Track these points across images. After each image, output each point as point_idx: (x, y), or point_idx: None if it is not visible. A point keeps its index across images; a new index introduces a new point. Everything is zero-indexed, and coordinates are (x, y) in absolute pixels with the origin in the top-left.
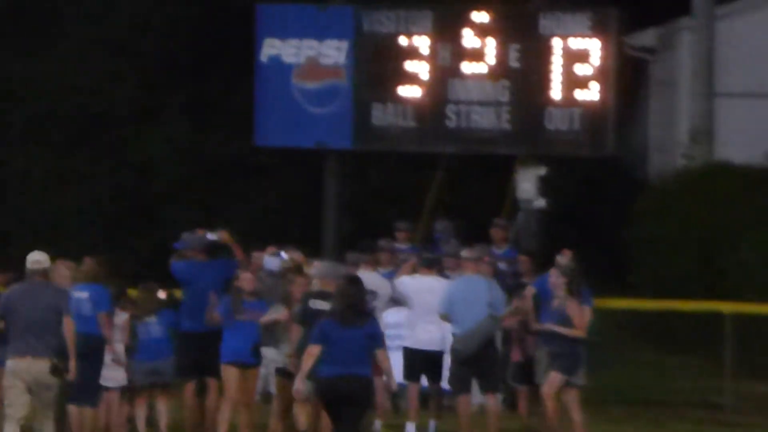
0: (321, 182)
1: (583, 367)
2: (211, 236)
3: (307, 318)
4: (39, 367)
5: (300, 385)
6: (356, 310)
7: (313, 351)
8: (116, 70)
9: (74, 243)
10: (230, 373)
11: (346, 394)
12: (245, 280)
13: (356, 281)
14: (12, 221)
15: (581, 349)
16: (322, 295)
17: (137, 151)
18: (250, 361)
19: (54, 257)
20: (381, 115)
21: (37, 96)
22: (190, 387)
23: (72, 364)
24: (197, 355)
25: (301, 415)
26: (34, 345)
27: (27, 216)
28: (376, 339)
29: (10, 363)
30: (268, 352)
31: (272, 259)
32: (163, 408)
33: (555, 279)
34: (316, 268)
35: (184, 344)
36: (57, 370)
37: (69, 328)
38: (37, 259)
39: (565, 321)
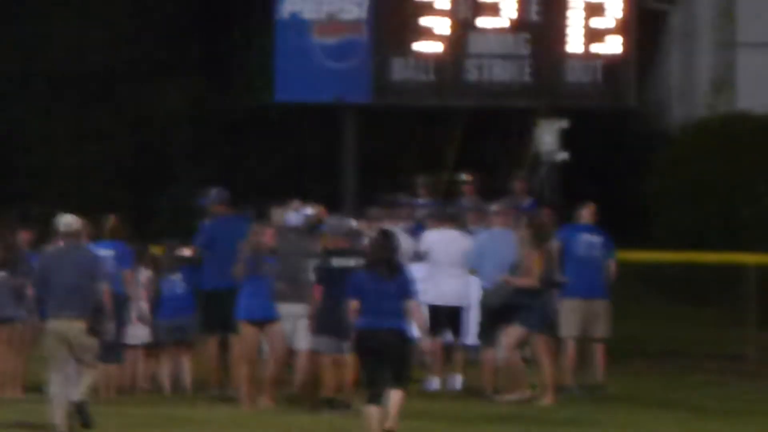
0: (340, 138)
1: (549, 316)
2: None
3: (329, 276)
4: (76, 328)
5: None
6: (389, 263)
7: (355, 305)
8: (133, 27)
9: (96, 201)
10: (249, 330)
11: (382, 347)
12: (267, 235)
13: (389, 235)
14: (33, 180)
15: (541, 300)
16: (342, 252)
17: (156, 108)
18: (271, 316)
19: (77, 215)
20: (400, 70)
21: (55, 54)
22: (213, 343)
23: (108, 326)
24: (221, 312)
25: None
26: (70, 307)
27: (48, 174)
28: (408, 291)
29: (50, 324)
30: (293, 309)
31: (295, 214)
32: (186, 365)
33: (521, 231)
34: (327, 224)
35: (208, 301)
36: (93, 331)
37: (105, 291)
38: (68, 221)
39: (525, 273)
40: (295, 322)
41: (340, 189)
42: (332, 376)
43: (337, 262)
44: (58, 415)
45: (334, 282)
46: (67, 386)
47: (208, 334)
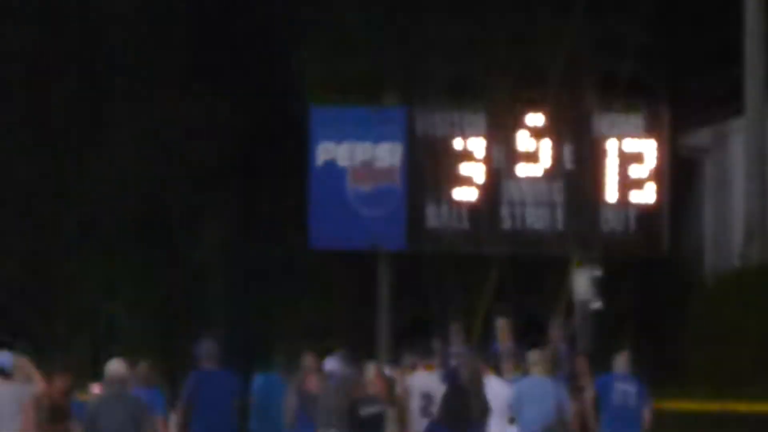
0: (374, 284)
1: None
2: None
3: (359, 424)
4: None
5: None
6: (462, 417)
7: None
8: (169, 174)
9: (129, 346)
10: None
11: None
12: (312, 382)
13: (463, 390)
14: (68, 324)
15: None
16: (370, 401)
17: (190, 254)
18: None
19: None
20: (435, 217)
21: (89, 199)
22: None
23: None
24: None
25: None
26: None
27: (82, 319)
28: None
29: None
30: None
31: (332, 360)
32: None
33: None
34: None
35: None
36: None
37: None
38: (116, 367)
39: None
40: None
41: (375, 334)
42: None
43: (363, 411)
44: None
45: (362, 429)
46: None
47: None
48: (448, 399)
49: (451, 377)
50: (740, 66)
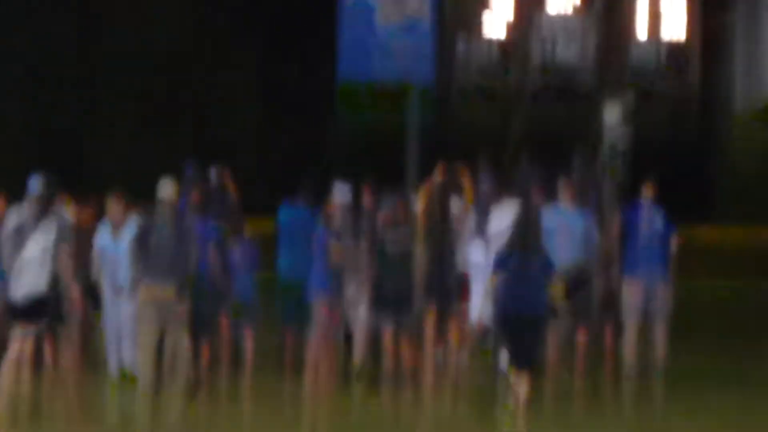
0: (403, 117)
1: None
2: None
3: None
4: (167, 293)
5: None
6: (532, 241)
7: (494, 279)
8: (202, 17)
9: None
10: (322, 309)
11: (525, 321)
12: (332, 216)
13: (531, 215)
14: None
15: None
16: (395, 227)
17: (219, 94)
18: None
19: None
20: (465, 50)
21: (121, 50)
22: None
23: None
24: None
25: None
26: (162, 273)
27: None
28: (549, 268)
29: (143, 290)
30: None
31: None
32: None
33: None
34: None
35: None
36: (183, 296)
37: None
38: (168, 190)
39: None
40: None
41: (404, 166)
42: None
43: (391, 236)
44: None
45: (387, 256)
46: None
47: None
48: (520, 225)
49: (525, 203)
50: None
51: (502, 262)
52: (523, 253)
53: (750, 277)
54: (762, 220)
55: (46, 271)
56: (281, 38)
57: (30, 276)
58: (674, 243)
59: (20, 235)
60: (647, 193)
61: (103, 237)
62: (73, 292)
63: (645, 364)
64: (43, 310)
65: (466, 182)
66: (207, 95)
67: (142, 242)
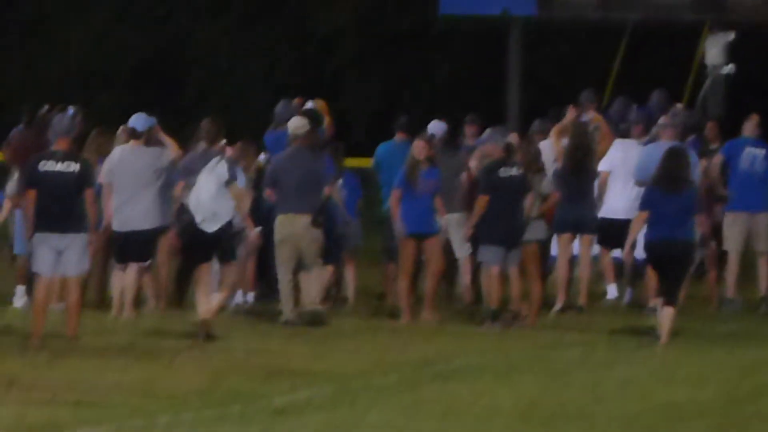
0: (504, 51)
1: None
2: (310, 104)
3: (497, 186)
4: (302, 222)
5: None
6: (679, 178)
7: (642, 216)
8: None
9: (258, 115)
10: (409, 245)
11: (671, 255)
12: (418, 148)
13: (678, 153)
14: (196, 93)
15: None
16: (504, 162)
17: (319, 24)
18: (430, 231)
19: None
20: None
21: None
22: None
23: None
24: None
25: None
26: (298, 203)
27: (211, 89)
28: (693, 206)
29: (279, 219)
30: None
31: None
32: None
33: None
34: (487, 136)
35: None
36: (317, 224)
37: (329, 190)
38: (298, 125)
39: None
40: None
41: (505, 102)
42: (494, 287)
43: (504, 172)
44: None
45: (502, 193)
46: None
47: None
48: (665, 162)
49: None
50: None
51: (649, 201)
52: (667, 191)
53: None
54: None
55: (225, 206)
56: None
57: (214, 211)
58: None
59: (191, 173)
60: (750, 128)
61: None
62: (249, 224)
63: (746, 297)
64: (226, 242)
65: (602, 125)
66: (308, 35)
67: (275, 177)
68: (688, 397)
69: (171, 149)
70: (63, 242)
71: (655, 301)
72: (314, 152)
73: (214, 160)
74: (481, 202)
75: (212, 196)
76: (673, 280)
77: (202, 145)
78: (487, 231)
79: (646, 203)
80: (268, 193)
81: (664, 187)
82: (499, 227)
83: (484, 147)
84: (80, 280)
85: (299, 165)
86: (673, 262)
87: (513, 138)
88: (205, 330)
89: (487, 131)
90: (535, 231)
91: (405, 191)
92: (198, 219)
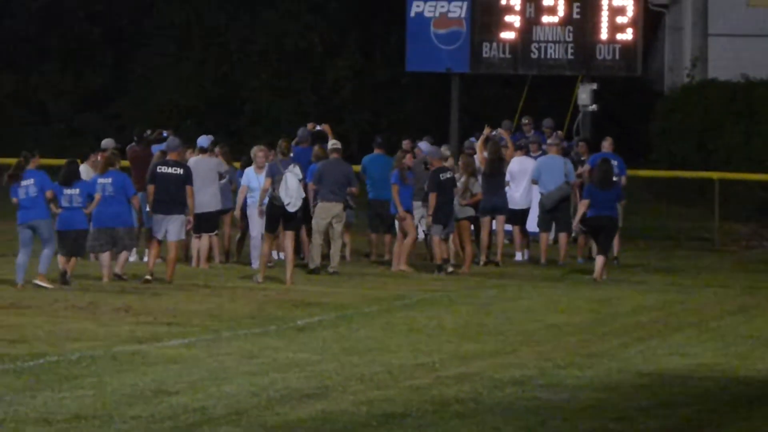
0: (449, 94)
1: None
2: (318, 128)
3: (440, 186)
4: (338, 208)
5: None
6: (608, 179)
7: (585, 203)
8: (311, 23)
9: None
10: (409, 218)
11: (604, 225)
12: (406, 159)
13: (607, 163)
14: (247, 121)
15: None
16: (444, 170)
17: (328, 75)
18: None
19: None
20: (488, 51)
21: (265, 39)
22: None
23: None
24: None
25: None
26: (334, 194)
27: (258, 119)
28: (619, 196)
29: (321, 205)
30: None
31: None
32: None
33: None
34: (426, 150)
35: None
36: (347, 208)
37: (354, 189)
38: (335, 144)
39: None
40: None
41: (448, 128)
42: (441, 250)
43: (443, 176)
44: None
45: (443, 190)
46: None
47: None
48: (600, 168)
49: (603, 162)
50: None
51: (589, 193)
52: (602, 188)
53: (673, 203)
54: (682, 166)
55: (301, 195)
56: (376, 36)
57: (297, 197)
58: (624, 179)
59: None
60: (607, 145)
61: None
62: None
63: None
64: (298, 218)
65: (508, 141)
66: (321, 82)
67: (320, 177)
68: (566, 320)
69: (222, 160)
70: (169, 220)
71: (594, 254)
72: (345, 162)
73: (291, 165)
74: (432, 198)
75: (295, 188)
76: (606, 240)
77: (279, 157)
78: (434, 215)
79: (588, 195)
80: (312, 187)
81: (599, 186)
82: (440, 212)
83: (431, 158)
84: (178, 244)
85: (336, 170)
86: (605, 230)
87: (447, 152)
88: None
89: (431, 147)
90: (466, 212)
91: (399, 185)
92: (286, 203)
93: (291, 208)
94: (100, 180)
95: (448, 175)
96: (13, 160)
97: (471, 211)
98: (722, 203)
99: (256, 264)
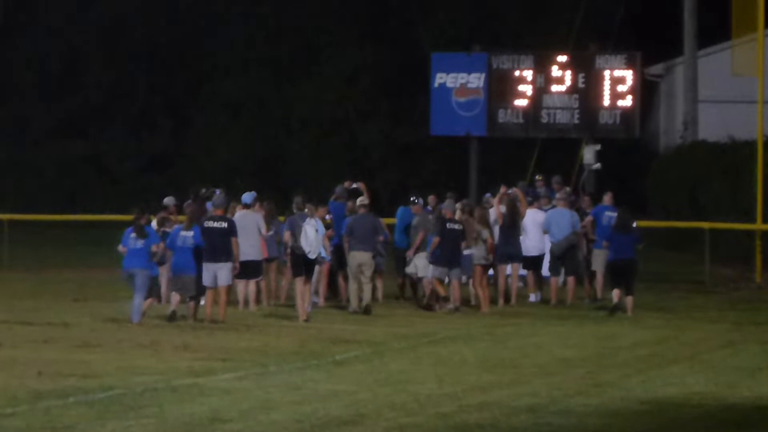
0: (468, 154)
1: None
2: (354, 185)
3: (444, 233)
4: (366, 256)
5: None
6: (628, 225)
7: (605, 245)
8: (348, 93)
9: (327, 191)
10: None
11: (627, 267)
12: (450, 212)
13: (626, 212)
14: (290, 183)
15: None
16: (451, 221)
17: (361, 139)
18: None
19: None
20: (503, 116)
21: (305, 106)
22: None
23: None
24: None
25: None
26: (363, 245)
27: (298, 180)
28: (637, 240)
29: (353, 254)
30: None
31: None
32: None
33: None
34: (444, 204)
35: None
36: (375, 257)
37: (381, 238)
38: (362, 201)
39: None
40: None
41: (468, 185)
42: (442, 289)
43: (449, 225)
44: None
45: (446, 236)
46: (359, 290)
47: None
48: (620, 216)
49: (622, 212)
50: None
51: (610, 237)
52: (623, 233)
53: (668, 249)
54: (677, 217)
55: (320, 244)
56: (403, 103)
57: (316, 246)
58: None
59: (297, 227)
60: (607, 199)
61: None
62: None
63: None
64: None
65: (522, 198)
66: (355, 144)
67: (351, 230)
68: (574, 354)
69: (262, 214)
70: (217, 267)
71: (617, 295)
72: (374, 216)
73: (309, 218)
74: (435, 241)
75: (315, 238)
76: (630, 280)
77: (296, 211)
78: (435, 257)
79: (609, 239)
80: (346, 239)
81: (620, 231)
82: (442, 256)
83: (445, 210)
84: (227, 288)
85: (365, 222)
86: (628, 270)
87: (459, 207)
88: (305, 317)
89: (447, 201)
90: (480, 259)
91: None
92: (307, 251)
93: (311, 256)
94: (182, 233)
95: (455, 226)
96: (85, 217)
97: (483, 259)
98: (712, 250)
99: (317, 301)
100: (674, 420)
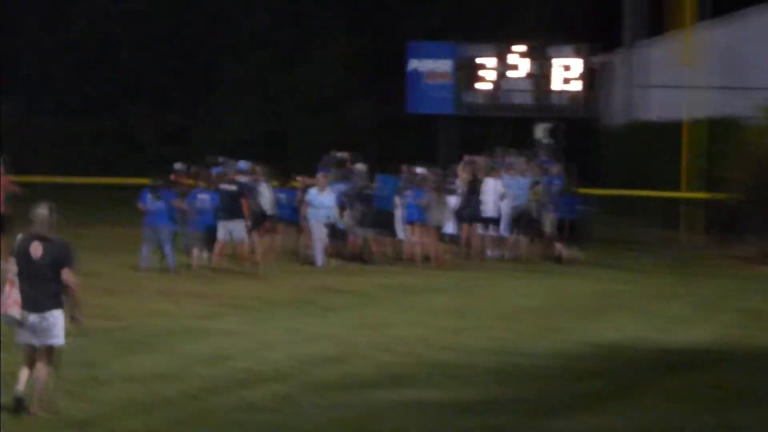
0: (437, 133)
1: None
2: (341, 155)
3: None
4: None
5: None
6: (570, 190)
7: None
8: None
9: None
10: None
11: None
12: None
13: (572, 182)
14: (293, 154)
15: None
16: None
17: (349, 116)
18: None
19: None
20: (468, 98)
21: (305, 85)
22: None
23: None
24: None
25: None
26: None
27: (307, 159)
28: (578, 203)
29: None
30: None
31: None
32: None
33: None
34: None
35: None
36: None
37: None
38: (360, 166)
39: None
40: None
41: (436, 156)
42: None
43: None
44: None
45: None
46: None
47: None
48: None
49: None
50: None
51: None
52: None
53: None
54: (624, 185)
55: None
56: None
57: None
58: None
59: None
60: (554, 171)
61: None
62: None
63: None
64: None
65: (482, 166)
66: (342, 120)
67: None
68: (530, 303)
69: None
70: (232, 225)
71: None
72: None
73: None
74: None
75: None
76: (572, 235)
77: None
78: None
79: (555, 201)
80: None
81: (565, 194)
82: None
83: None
84: (242, 244)
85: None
86: (568, 226)
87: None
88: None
89: (422, 170)
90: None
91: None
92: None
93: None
94: (200, 195)
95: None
96: (114, 180)
97: (441, 221)
98: (649, 215)
99: (319, 259)
100: (615, 360)
